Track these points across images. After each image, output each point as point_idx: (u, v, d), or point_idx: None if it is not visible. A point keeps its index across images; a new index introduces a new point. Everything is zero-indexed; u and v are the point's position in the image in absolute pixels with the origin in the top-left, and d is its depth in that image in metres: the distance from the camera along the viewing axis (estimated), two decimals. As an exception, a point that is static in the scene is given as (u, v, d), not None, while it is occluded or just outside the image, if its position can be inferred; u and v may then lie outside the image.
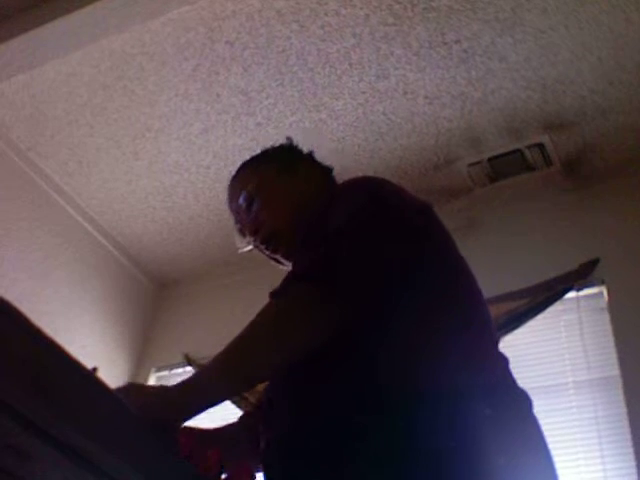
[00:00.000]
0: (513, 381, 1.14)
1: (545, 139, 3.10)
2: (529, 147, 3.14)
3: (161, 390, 1.09)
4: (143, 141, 3.32)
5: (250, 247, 1.39)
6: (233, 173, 1.48)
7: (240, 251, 1.44)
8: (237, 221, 1.41)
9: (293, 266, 1.18)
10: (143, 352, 3.90)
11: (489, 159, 3.21)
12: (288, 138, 1.51)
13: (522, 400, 1.11)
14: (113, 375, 3.53)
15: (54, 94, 3.13)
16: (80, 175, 3.51)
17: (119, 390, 0.99)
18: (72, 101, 3.16)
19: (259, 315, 1.05)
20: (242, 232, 1.40)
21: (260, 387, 1.21)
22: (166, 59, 2.96)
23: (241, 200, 1.38)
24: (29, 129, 3.30)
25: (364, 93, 3.03)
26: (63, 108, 3.20)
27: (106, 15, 2.69)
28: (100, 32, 2.78)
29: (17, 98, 3.16)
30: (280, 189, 1.37)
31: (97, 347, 3.61)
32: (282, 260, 1.35)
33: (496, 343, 1.18)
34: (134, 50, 2.93)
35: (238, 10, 2.76)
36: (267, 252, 1.36)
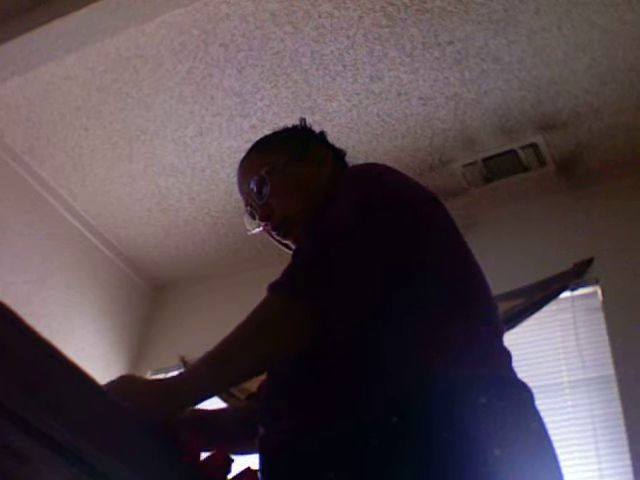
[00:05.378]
0: (514, 374, 1.12)
1: (539, 139, 3.11)
2: (523, 147, 3.15)
3: (155, 383, 1.09)
4: (138, 144, 3.32)
5: (260, 229, 1.40)
6: (245, 154, 1.46)
7: (250, 233, 1.45)
8: (247, 204, 1.40)
9: (292, 257, 1.18)
10: (139, 354, 3.90)
11: (483, 160, 3.22)
12: (301, 119, 1.50)
13: (522, 392, 1.09)
14: (109, 377, 3.52)
15: (49, 97, 3.13)
16: (75, 178, 3.51)
17: (113, 382, 0.99)
18: (67, 104, 3.16)
19: (246, 317, 1.06)
20: (252, 215, 1.40)
21: (248, 385, 1.22)
22: (161, 62, 2.96)
23: (252, 184, 1.37)
24: (24, 132, 3.29)
25: (358, 94, 3.03)
26: (58, 111, 3.20)
27: (101, 18, 2.69)
28: (95, 35, 2.78)
29: (12, 101, 3.15)
30: (291, 175, 1.36)
31: (94, 350, 3.61)
32: (292, 246, 1.35)
33: (501, 334, 1.17)
34: (129, 53, 2.94)
35: (232, 12, 2.77)
36: (278, 238, 1.36)
